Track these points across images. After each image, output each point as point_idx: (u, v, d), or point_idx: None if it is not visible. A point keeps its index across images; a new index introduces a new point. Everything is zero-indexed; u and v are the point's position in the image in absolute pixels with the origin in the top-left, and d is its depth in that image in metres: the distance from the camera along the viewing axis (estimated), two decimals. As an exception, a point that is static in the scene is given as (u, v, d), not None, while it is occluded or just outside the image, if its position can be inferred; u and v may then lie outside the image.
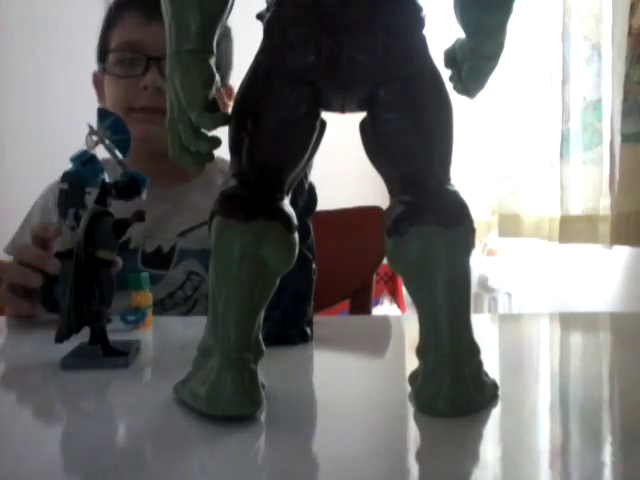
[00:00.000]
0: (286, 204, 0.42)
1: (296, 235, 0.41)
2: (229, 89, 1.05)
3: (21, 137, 2.35)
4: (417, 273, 0.41)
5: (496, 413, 0.41)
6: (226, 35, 1.02)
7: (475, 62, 0.44)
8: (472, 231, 0.41)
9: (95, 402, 0.47)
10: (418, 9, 0.41)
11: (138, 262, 0.97)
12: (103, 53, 1.01)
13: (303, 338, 0.62)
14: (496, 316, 1.32)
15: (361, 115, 0.43)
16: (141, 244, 0.98)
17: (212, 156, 0.41)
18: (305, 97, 0.40)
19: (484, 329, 0.75)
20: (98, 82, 1.06)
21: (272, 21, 0.40)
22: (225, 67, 1.03)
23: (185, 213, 1.01)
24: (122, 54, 0.97)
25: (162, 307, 0.97)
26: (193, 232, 0.99)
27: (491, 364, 0.48)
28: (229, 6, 0.40)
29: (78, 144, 0.58)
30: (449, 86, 0.43)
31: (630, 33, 1.40)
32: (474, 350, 0.42)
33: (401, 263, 0.41)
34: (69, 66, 2.38)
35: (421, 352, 0.41)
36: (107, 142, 0.57)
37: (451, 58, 0.45)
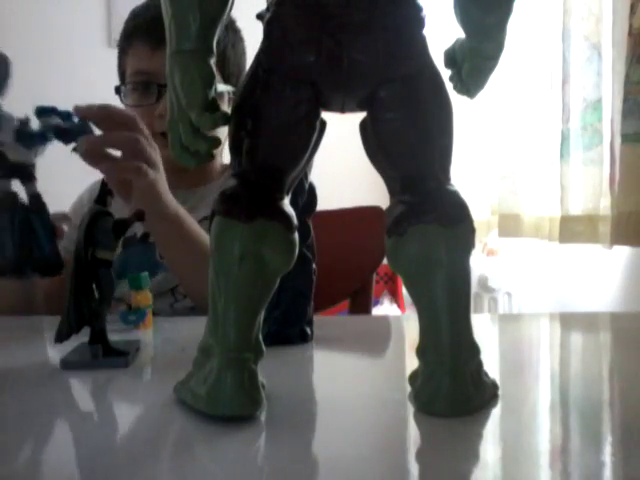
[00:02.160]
0: (286, 204, 0.42)
1: (296, 235, 0.41)
2: None
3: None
4: (417, 273, 0.41)
5: (496, 413, 0.41)
6: (238, 39, 1.05)
7: (475, 62, 0.44)
8: (472, 231, 0.41)
9: (95, 402, 0.47)
10: (418, 9, 0.41)
11: (156, 252, 0.98)
12: (121, 77, 1.06)
13: (303, 338, 0.62)
14: (496, 316, 1.32)
15: (361, 115, 0.43)
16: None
17: (212, 156, 0.41)
18: (305, 97, 0.40)
19: (484, 329, 0.75)
20: None
21: (272, 21, 0.40)
22: (238, 72, 1.06)
23: (201, 210, 1.03)
24: (135, 84, 1.01)
25: (174, 297, 0.98)
26: (206, 222, 1.01)
27: (491, 364, 0.48)
28: (229, 6, 0.40)
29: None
30: (449, 86, 0.43)
31: (630, 33, 1.40)
32: (474, 350, 0.42)
33: (401, 263, 0.41)
34: (69, 64, 2.38)
35: (421, 352, 0.41)
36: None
37: (451, 58, 0.45)
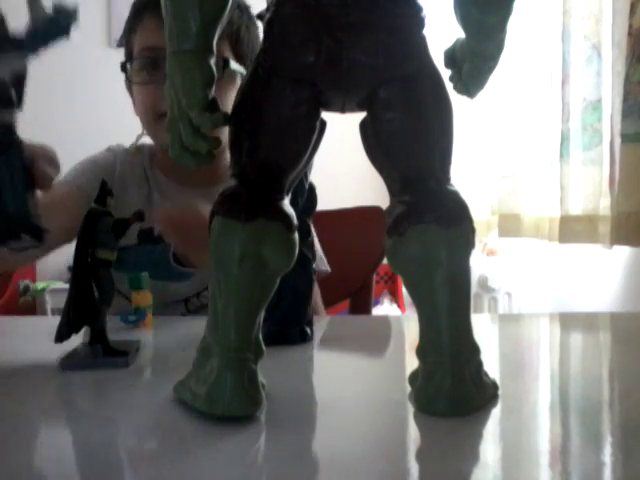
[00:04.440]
0: (286, 204, 0.42)
1: (296, 235, 0.41)
2: None
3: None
4: (417, 273, 0.41)
5: (496, 413, 0.41)
6: (252, 24, 0.99)
7: (475, 62, 0.44)
8: (472, 231, 0.41)
9: (95, 402, 0.47)
10: (418, 9, 0.41)
11: (171, 258, 0.97)
12: (128, 56, 1.01)
13: (303, 338, 0.62)
14: (496, 316, 1.32)
15: (361, 115, 0.43)
16: (174, 242, 0.97)
17: (213, 156, 0.41)
18: (305, 97, 0.40)
19: (484, 329, 0.75)
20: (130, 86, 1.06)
21: (272, 21, 0.40)
22: (252, 55, 1.01)
23: None
24: (144, 60, 0.96)
25: (186, 308, 0.96)
26: None
27: (491, 364, 0.48)
28: (229, 6, 0.40)
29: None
30: (449, 86, 0.43)
31: (630, 33, 1.40)
32: (474, 350, 0.42)
33: (401, 263, 0.41)
34: (69, 64, 2.38)
35: (421, 352, 0.41)
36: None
37: (451, 58, 0.45)
